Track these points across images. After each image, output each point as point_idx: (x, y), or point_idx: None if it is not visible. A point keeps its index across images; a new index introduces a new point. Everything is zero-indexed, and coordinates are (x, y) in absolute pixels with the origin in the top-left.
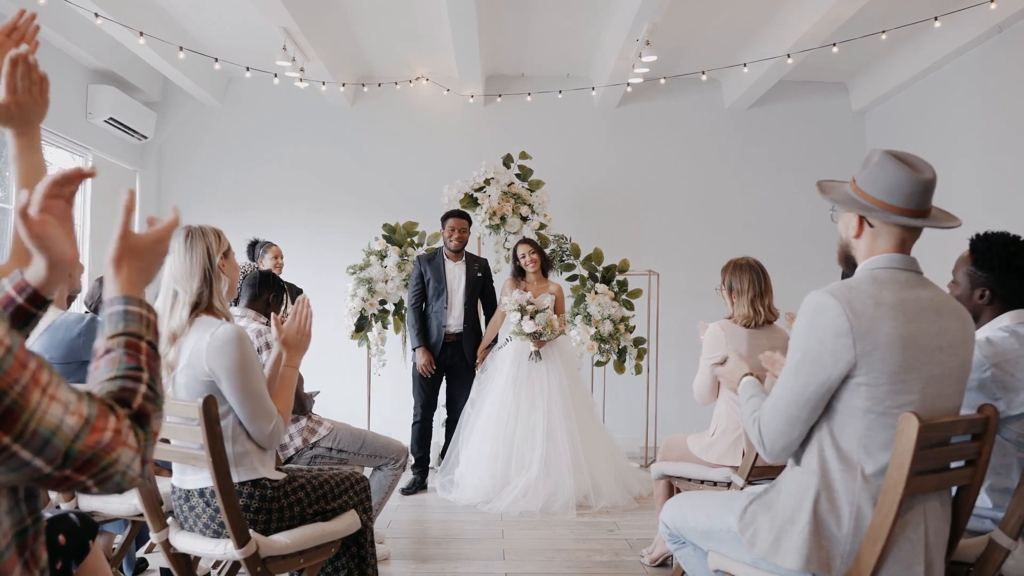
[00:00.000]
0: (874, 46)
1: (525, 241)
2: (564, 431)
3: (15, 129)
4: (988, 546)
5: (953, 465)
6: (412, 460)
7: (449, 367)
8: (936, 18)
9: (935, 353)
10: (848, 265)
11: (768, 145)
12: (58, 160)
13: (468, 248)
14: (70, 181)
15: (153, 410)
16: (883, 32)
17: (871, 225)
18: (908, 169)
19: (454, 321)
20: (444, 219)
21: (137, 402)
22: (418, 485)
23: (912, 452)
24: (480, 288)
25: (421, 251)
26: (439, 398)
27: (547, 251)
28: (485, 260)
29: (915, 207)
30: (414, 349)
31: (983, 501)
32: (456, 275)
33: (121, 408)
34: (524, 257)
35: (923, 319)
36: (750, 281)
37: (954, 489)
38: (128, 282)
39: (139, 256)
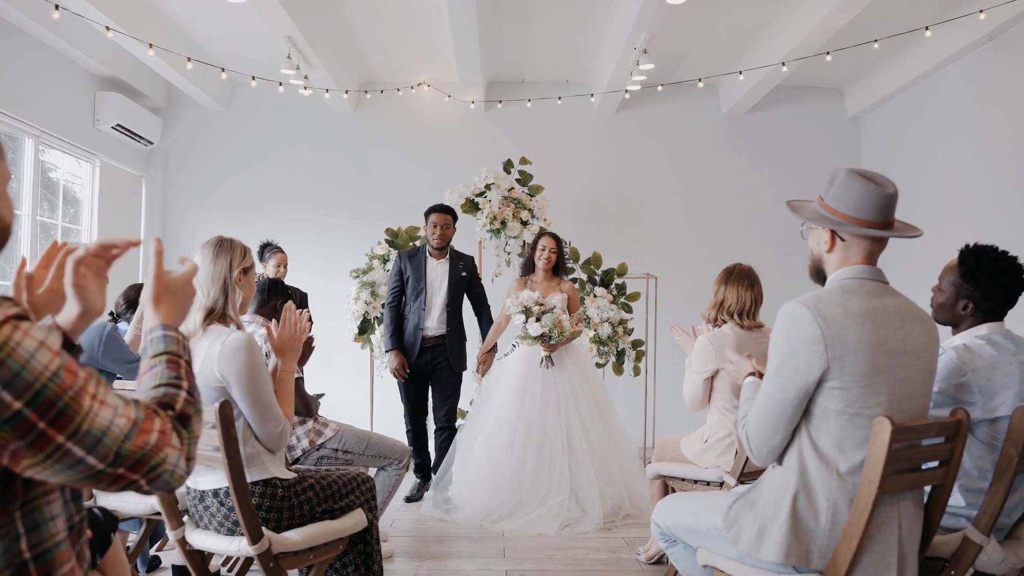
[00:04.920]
0: (869, 53)
1: (550, 235)
2: (587, 450)
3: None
4: (962, 542)
5: (926, 466)
6: (413, 465)
7: (432, 372)
8: (927, 28)
9: (902, 357)
10: (819, 279)
11: (765, 150)
12: (65, 165)
13: (469, 252)
14: (118, 246)
15: (194, 413)
16: (875, 41)
17: (843, 239)
18: (874, 185)
19: (433, 323)
20: (427, 214)
21: (179, 405)
22: (423, 491)
23: (886, 453)
24: (465, 288)
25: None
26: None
27: None
28: (471, 257)
29: (882, 220)
30: (386, 352)
31: (957, 500)
32: (439, 274)
33: (165, 411)
34: (544, 250)
35: (890, 326)
36: (736, 277)
37: (928, 488)
38: (166, 316)
39: (173, 294)
